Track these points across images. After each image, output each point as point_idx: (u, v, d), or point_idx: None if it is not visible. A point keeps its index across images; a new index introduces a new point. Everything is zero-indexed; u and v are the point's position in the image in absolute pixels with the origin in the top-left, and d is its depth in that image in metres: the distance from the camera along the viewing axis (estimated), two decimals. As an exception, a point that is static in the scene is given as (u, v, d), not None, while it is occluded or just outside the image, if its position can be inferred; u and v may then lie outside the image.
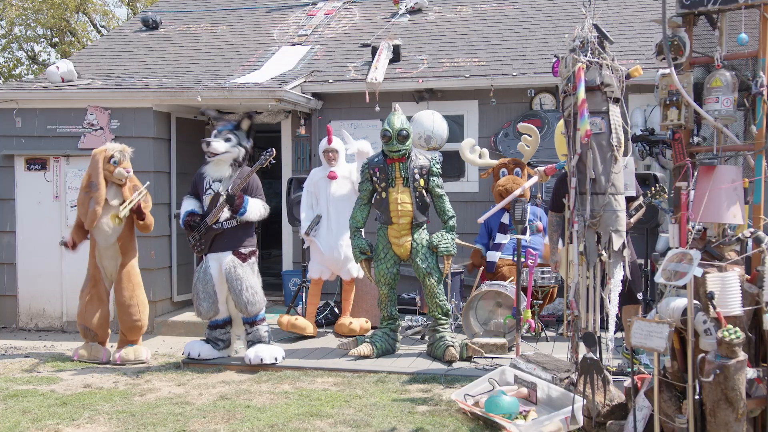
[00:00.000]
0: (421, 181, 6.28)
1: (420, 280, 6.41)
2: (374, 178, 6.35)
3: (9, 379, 6.00)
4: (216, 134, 6.27)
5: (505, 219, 7.28)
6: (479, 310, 6.76)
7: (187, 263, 8.71)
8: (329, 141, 7.16)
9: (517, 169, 7.35)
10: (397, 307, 6.57)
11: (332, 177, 7.16)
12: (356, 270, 7.19)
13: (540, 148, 7.71)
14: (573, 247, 4.48)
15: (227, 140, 6.23)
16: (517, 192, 5.98)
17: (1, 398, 5.42)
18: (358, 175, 7.20)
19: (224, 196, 6.09)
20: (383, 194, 6.33)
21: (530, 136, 7.24)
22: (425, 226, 6.42)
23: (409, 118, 7.90)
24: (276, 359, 6.10)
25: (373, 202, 6.45)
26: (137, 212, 6.61)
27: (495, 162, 7.45)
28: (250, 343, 6.29)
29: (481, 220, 6.31)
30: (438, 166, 6.36)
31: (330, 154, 7.18)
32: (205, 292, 6.23)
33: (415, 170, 6.27)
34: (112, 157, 6.54)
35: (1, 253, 8.35)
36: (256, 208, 6.23)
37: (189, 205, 6.42)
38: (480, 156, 7.43)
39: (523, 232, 6.30)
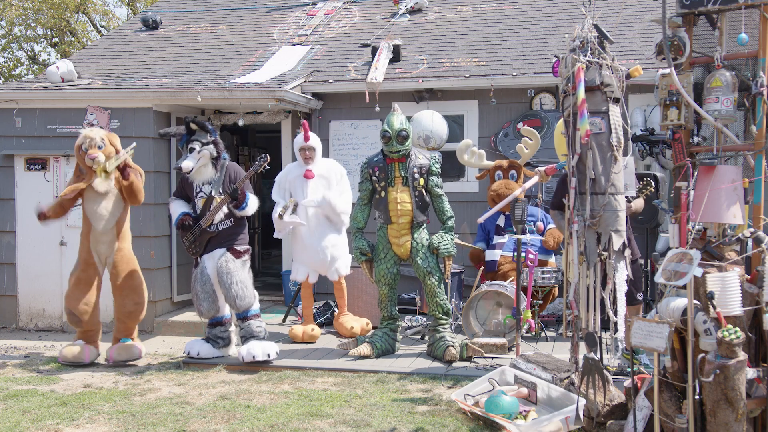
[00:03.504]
0: (421, 181, 6.27)
1: (420, 280, 6.41)
2: (373, 178, 6.35)
3: (9, 379, 6.00)
4: (183, 153, 6.36)
5: (501, 222, 7.29)
6: (479, 310, 6.76)
7: (187, 263, 8.69)
8: (306, 138, 6.91)
9: (513, 171, 7.28)
10: (397, 307, 6.57)
11: (308, 176, 6.95)
12: (344, 269, 7.12)
13: (540, 148, 7.70)
14: (573, 247, 4.47)
15: (191, 150, 6.26)
16: (517, 192, 5.98)
17: (1, 398, 5.42)
18: (337, 172, 7.10)
19: (227, 193, 6.19)
20: (382, 193, 6.33)
21: (531, 139, 7.21)
22: (425, 225, 6.41)
23: (408, 118, 7.92)
24: (269, 355, 6.09)
25: (372, 202, 6.45)
26: (122, 171, 6.50)
27: (491, 163, 7.42)
28: (243, 339, 6.32)
29: (481, 220, 6.31)
30: (437, 165, 6.36)
31: (307, 152, 6.97)
32: (205, 293, 6.26)
33: (415, 169, 6.26)
34: (81, 145, 6.48)
35: (1, 253, 8.35)
36: (254, 203, 6.36)
37: (179, 206, 6.47)
38: (477, 158, 7.38)
39: (523, 232, 6.30)
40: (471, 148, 7.38)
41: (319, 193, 6.94)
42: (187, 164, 6.22)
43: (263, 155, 6.35)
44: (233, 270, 6.19)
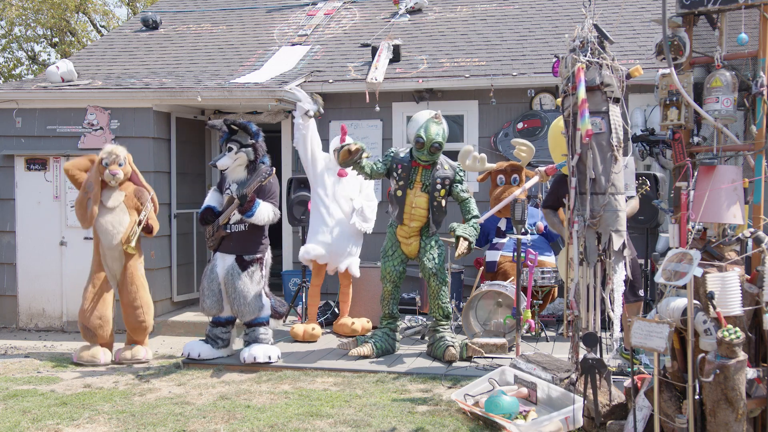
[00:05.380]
0: (442, 192, 6.23)
1: (425, 280, 6.40)
2: (394, 173, 6.28)
3: (9, 379, 6.00)
4: (222, 150, 6.37)
5: (502, 224, 7.27)
6: (479, 310, 6.76)
7: (187, 263, 8.71)
8: (343, 141, 7.02)
9: (515, 175, 7.27)
10: (398, 306, 6.56)
11: (342, 174, 7.12)
12: (354, 268, 7.17)
13: (541, 148, 7.69)
14: (573, 247, 4.47)
15: (229, 150, 6.28)
16: (517, 192, 5.97)
17: (1, 398, 5.42)
18: None
19: (236, 197, 6.15)
20: (399, 192, 6.29)
21: (525, 147, 7.17)
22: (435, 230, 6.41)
23: (408, 119, 7.92)
24: (270, 358, 6.11)
25: (388, 195, 6.45)
26: (145, 229, 6.68)
27: (494, 166, 7.36)
28: (247, 344, 6.33)
29: (480, 220, 6.30)
30: (462, 173, 6.35)
31: None
32: (210, 290, 6.29)
33: (438, 180, 6.21)
34: (102, 159, 6.57)
35: (1, 253, 8.35)
36: (265, 212, 6.21)
37: (210, 199, 6.51)
38: (480, 162, 7.32)
39: (524, 233, 6.30)
40: (472, 153, 7.27)
41: (349, 190, 7.17)
42: (223, 162, 6.27)
43: (269, 169, 6.32)
44: (237, 285, 6.19)
